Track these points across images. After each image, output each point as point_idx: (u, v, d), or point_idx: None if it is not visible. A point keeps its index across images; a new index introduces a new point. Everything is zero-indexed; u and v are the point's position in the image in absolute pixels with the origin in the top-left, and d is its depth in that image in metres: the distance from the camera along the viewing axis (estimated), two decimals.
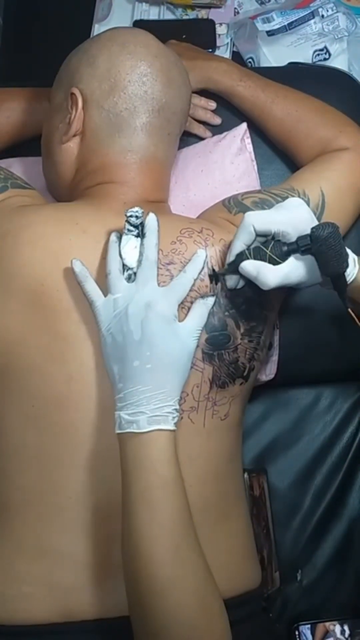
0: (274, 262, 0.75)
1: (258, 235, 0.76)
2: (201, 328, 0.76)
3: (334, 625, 1.01)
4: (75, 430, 0.76)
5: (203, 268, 0.79)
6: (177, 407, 0.71)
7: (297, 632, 1.01)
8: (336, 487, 1.11)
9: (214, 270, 0.81)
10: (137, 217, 0.77)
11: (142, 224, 0.78)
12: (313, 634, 1.01)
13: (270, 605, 1.04)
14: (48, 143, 0.93)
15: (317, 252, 0.73)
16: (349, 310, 0.76)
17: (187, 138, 1.07)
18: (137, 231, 0.77)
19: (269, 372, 1.07)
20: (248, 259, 0.76)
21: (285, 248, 0.75)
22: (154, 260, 0.76)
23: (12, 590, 0.76)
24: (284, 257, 0.75)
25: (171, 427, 0.70)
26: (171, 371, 0.71)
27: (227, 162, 1.06)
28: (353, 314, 0.76)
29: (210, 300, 0.78)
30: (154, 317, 0.72)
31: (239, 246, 0.77)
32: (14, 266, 0.80)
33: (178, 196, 1.04)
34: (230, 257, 0.78)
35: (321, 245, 0.71)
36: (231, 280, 0.80)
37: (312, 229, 0.72)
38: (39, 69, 1.04)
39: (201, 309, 0.77)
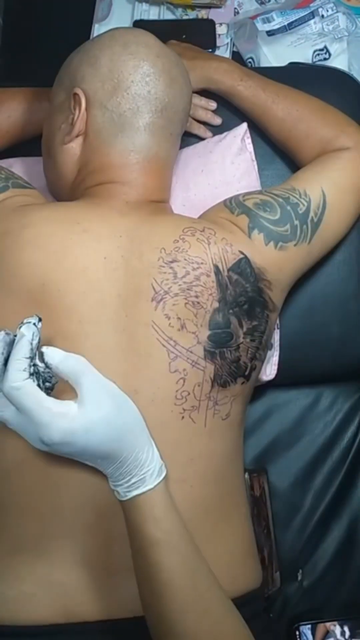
0: None
1: None
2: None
3: (335, 625, 1.01)
4: None
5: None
6: (157, 461, 0.67)
7: (297, 632, 1.01)
8: (336, 487, 1.11)
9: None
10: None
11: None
12: (313, 634, 1.01)
13: (270, 605, 1.04)
14: (49, 143, 0.93)
15: None
16: None
17: (188, 138, 1.07)
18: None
19: (269, 372, 1.07)
20: None
21: None
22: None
23: (13, 590, 0.76)
24: None
25: (151, 485, 0.66)
26: (122, 445, 0.65)
27: (228, 162, 1.06)
28: None
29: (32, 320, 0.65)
30: (73, 439, 0.63)
31: None
32: (14, 266, 0.80)
33: (178, 196, 1.04)
34: None
35: None
36: None
37: None
38: (39, 69, 1.04)
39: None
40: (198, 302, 0.79)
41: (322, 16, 1.29)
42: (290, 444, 1.13)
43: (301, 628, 1.01)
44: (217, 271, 0.81)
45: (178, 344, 0.79)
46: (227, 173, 1.06)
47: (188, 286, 0.80)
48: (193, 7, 1.32)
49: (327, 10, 1.29)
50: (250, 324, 0.83)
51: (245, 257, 0.85)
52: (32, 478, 0.77)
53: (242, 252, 0.84)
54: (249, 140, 1.08)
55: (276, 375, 1.08)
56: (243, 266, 0.84)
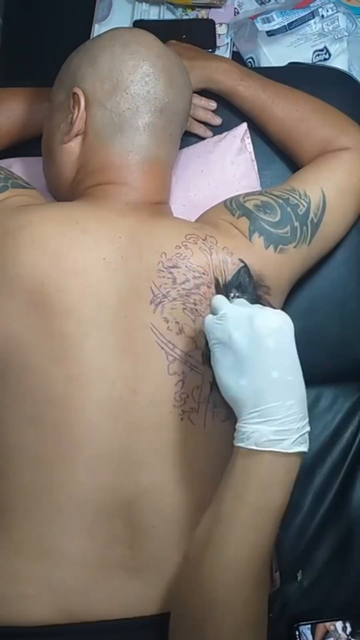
0: None
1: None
2: None
3: (334, 625, 1.01)
4: (76, 430, 0.76)
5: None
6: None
7: (297, 632, 1.01)
8: (336, 487, 1.11)
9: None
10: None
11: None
12: (313, 634, 1.01)
13: (270, 606, 1.04)
14: (49, 143, 0.93)
15: None
16: None
17: (188, 138, 1.07)
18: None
19: None
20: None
21: None
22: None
23: (12, 591, 0.76)
24: None
25: (306, 449, 0.69)
26: (303, 384, 0.71)
27: (227, 162, 1.06)
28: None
29: None
30: (287, 326, 0.70)
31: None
32: (14, 266, 0.80)
33: (178, 196, 1.04)
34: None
35: None
36: None
37: None
38: (39, 69, 1.04)
39: None
40: (196, 310, 0.79)
41: (322, 16, 1.29)
42: None
43: (301, 628, 1.01)
44: (217, 284, 0.81)
45: (176, 347, 0.79)
46: (227, 173, 1.06)
47: (187, 292, 0.80)
48: (193, 7, 1.32)
49: (327, 10, 1.29)
50: None
51: (245, 265, 0.84)
52: (32, 478, 0.77)
53: (242, 261, 0.84)
54: (248, 141, 1.09)
55: None
56: (242, 275, 0.84)
